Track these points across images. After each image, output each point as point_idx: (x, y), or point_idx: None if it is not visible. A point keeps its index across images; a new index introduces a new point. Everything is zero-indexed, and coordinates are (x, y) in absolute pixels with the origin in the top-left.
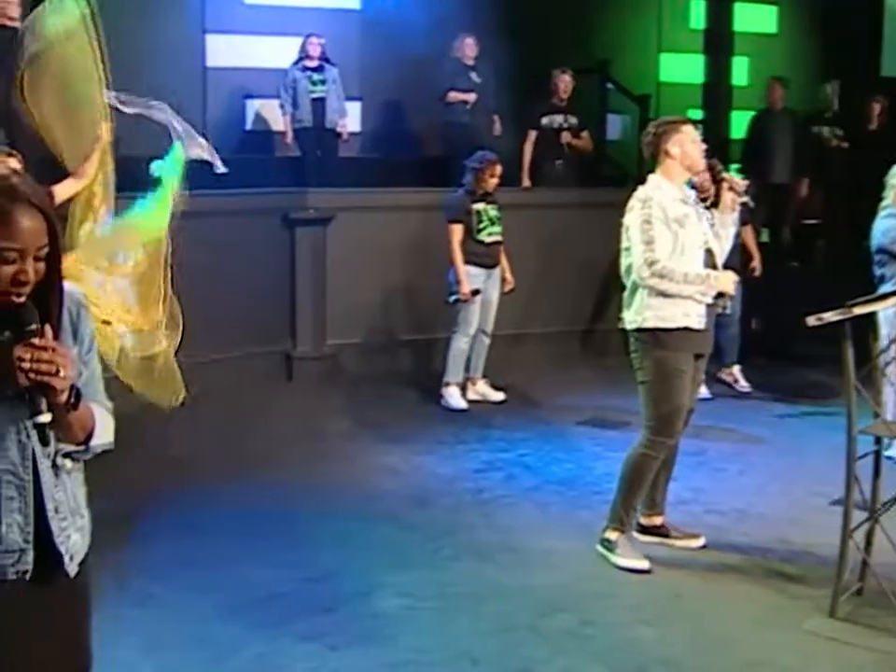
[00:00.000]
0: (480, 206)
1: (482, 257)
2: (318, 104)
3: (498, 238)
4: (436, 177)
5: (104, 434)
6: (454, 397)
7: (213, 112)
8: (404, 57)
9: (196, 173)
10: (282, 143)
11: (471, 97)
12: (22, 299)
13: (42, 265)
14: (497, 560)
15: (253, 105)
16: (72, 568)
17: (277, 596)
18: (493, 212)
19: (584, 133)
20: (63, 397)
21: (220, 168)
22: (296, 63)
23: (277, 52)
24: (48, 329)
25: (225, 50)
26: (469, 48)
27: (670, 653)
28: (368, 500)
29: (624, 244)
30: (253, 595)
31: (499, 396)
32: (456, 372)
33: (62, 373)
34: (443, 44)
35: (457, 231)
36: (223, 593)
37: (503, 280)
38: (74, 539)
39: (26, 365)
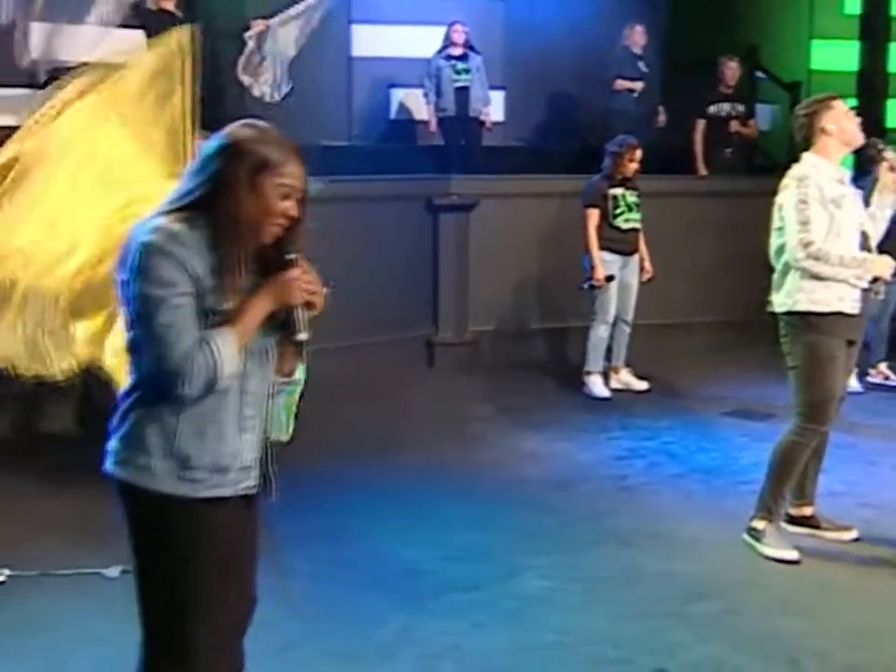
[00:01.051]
0: (618, 191)
1: (617, 243)
2: (462, 92)
3: (636, 225)
4: (591, 167)
5: (300, 371)
6: (596, 385)
7: (357, 101)
8: (549, 45)
9: (341, 159)
10: (425, 132)
11: (638, 85)
12: (280, 231)
13: (299, 208)
14: (639, 546)
15: (397, 95)
16: (275, 496)
17: (418, 573)
18: (631, 198)
19: (752, 121)
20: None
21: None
22: (440, 51)
23: (421, 41)
24: (301, 258)
25: (370, 40)
26: (638, 35)
27: (822, 646)
28: (508, 484)
29: (776, 223)
30: (394, 571)
31: (643, 385)
32: (597, 361)
33: (319, 294)
34: (592, 32)
35: (593, 215)
36: (365, 568)
37: (642, 268)
38: (276, 469)
39: (300, 283)
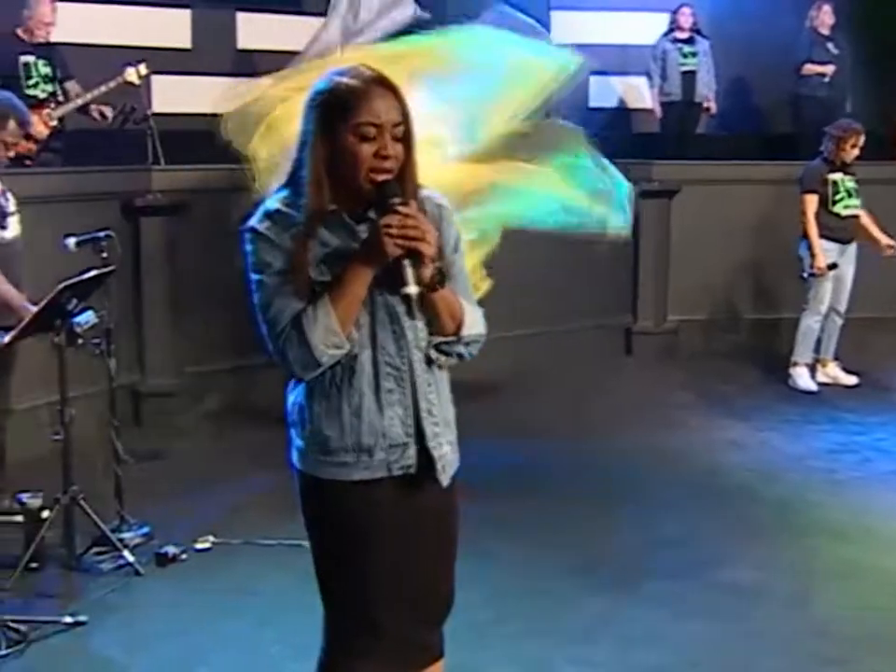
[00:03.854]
0: (837, 176)
1: (836, 231)
2: (688, 77)
3: (855, 212)
4: (784, 153)
5: (473, 325)
6: (802, 377)
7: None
8: (750, 30)
9: None
10: (622, 119)
11: (829, 69)
12: (386, 177)
13: (400, 147)
14: (850, 539)
15: (596, 82)
16: (444, 479)
17: (621, 559)
18: (850, 183)
19: None
20: (429, 271)
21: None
22: (665, 34)
23: (621, 28)
24: (411, 201)
25: (569, 27)
26: (826, 15)
27: None
28: (712, 471)
29: None
30: (596, 556)
31: (852, 380)
32: (805, 352)
33: (427, 238)
34: (789, 14)
35: (812, 201)
36: (565, 551)
37: (881, 244)
38: (445, 450)
39: (394, 231)
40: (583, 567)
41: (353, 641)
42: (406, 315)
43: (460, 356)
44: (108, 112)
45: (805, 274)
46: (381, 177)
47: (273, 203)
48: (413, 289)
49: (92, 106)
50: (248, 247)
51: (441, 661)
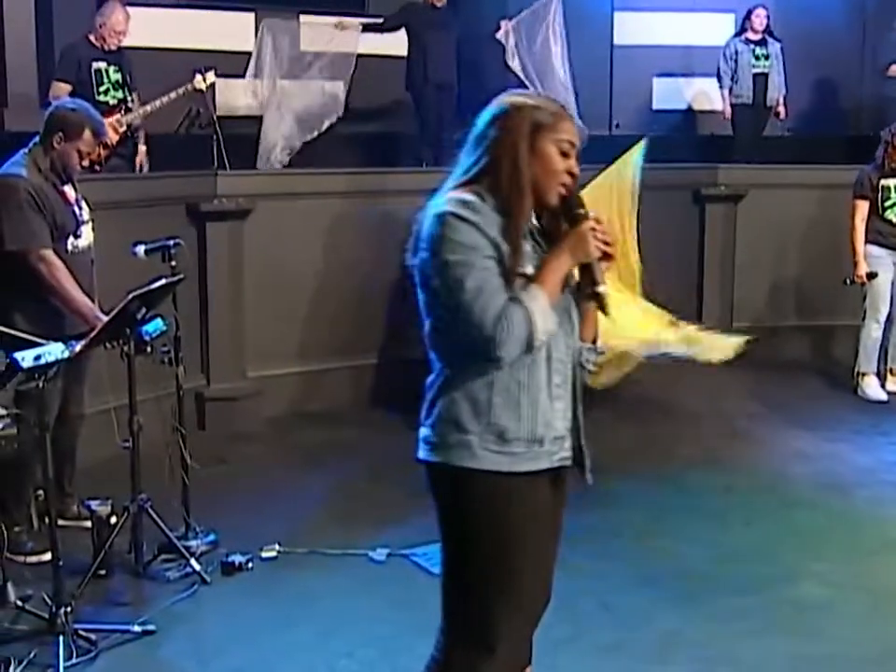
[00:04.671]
0: (890, 182)
1: (887, 237)
2: (760, 79)
3: None
4: (866, 156)
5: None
6: (871, 387)
7: (619, 91)
8: (818, 27)
9: (602, 148)
10: (688, 121)
11: None
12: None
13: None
14: None
15: (660, 84)
16: (588, 477)
17: (691, 573)
18: None
19: None
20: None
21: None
22: (737, 34)
23: (686, 29)
24: (591, 213)
25: (633, 28)
26: None
27: None
28: (780, 483)
29: None
30: (667, 569)
31: None
32: (869, 361)
33: (613, 245)
34: (863, 14)
35: (861, 207)
36: (634, 564)
37: None
38: (588, 452)
39: (599, 235)
40: (652, 581)
41: (476, 649)
42: (600, 310)
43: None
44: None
45: (848, 280)
46: (567, 192)
47: (459, 194)
48: (604, 288)
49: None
50: (449, 230)
51: (528, 669)
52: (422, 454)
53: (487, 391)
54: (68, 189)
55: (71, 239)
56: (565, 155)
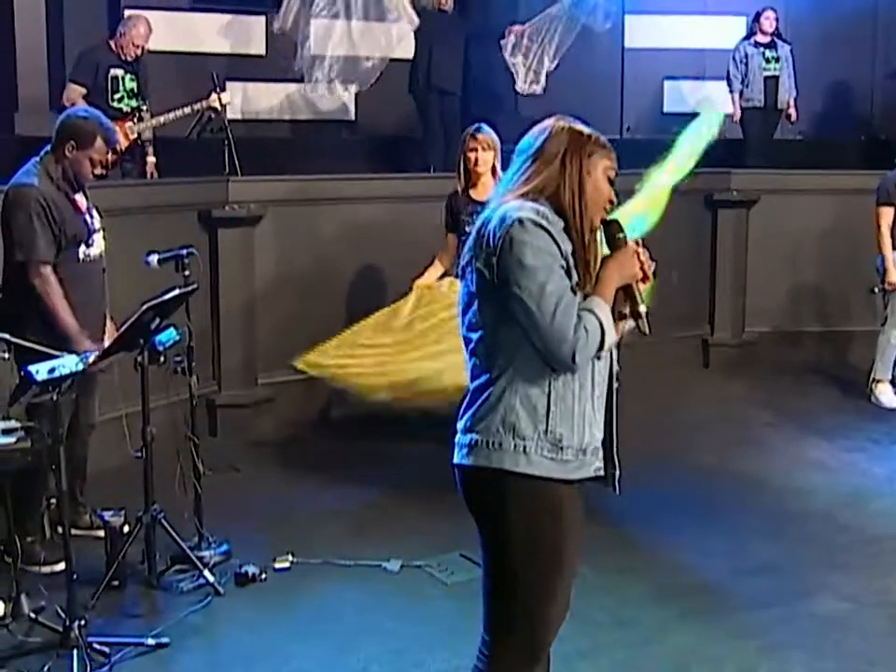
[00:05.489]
0: None
1: None
2: (771, 82)
3: None
4: (882, 160)
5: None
6: (885, 394)
7: (630, 94)
8: (831, 32)
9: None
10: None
11: None
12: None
13: None
14: None
15: (671, 86)
16: (618, 488)
17: (708, 587)
18: None
19: None
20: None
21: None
22: (746, 37)
23: (697, 32)
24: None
25: (644, 31)
26: None
27: None
28: (797, 494)
29: None
30: (683, 583)
31: None
32: (885, 369)
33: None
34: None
35: (886, 214)
36: (652, 577)
37: None
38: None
39: (644, 258)
40: (669, 594)
41: (523, 657)
42: (640, 329)
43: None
44: (155, 171)
45: (876, 289)
46: (608, 216)
47: (531, 204)
48: (644, 308)
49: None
50: (529, 235)
51: None
52: (467, 458)
53: (545, 399)
54: (79, 198)
55: (83, 248)
56: (611, 183)
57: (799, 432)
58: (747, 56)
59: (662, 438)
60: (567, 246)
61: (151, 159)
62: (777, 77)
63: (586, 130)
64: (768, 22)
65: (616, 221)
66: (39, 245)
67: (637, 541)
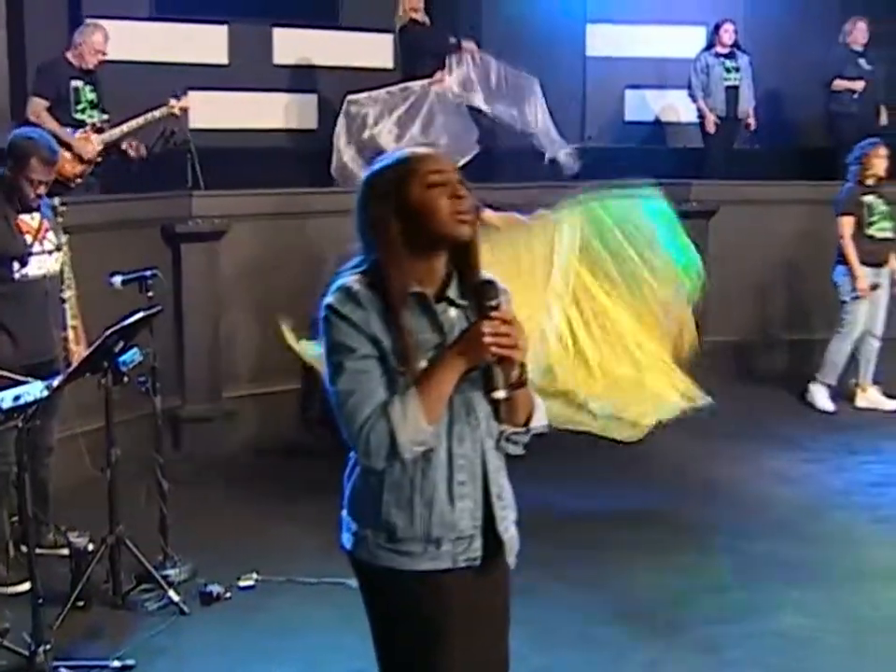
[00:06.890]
0: (870, 199)
1: (869, 254)
2: (731, 92)
3: (889, 234)
4: (820, 170)
5: (541, 416)
6: (819, 394)
7: (592, 102)
8: (784, 45)
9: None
10: (657, 133)
11: (859, 85)
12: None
13: None
14: None
15: (632, 95)
16: (511, 560)
17: (667, 603)
18: (883, 206)
19: None
20: (516, 372)
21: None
22: (707, 48)
23: (659, 41)
24: (505, 302)
25: (606, 40)
26: (860, 33)
27: None
28: (756, 506)
29: None
30: (641, 600)
31: (893, 405)
32: (831, 374)
33: (520, 345)
34: (822, 29)
35: (848, 224)
36: (613, 593)
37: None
38: (512, 532)
39: (489, 339)
40: (629, 611)
41: None
42: (493, 418)
43: (525, 445)
44: (142, 149)
45: (849, 298)
46: (471, 230)
47: (350, 281)
48: (501, 394)
49: (124, 144)
50: (327, 327)
51: None
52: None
53: (380, 486)
54: (27, 218)
55: (16, 265)
56: (435, 186)
57: (759, 443)
58: (708, 66)
59: (620, 450)
60: (387, 326)
61: (132, 153)
62: (737, 87)
63: (383, 167)
64: (727, 34)
65: (491, 285)
66: None
67: (596, 559)
